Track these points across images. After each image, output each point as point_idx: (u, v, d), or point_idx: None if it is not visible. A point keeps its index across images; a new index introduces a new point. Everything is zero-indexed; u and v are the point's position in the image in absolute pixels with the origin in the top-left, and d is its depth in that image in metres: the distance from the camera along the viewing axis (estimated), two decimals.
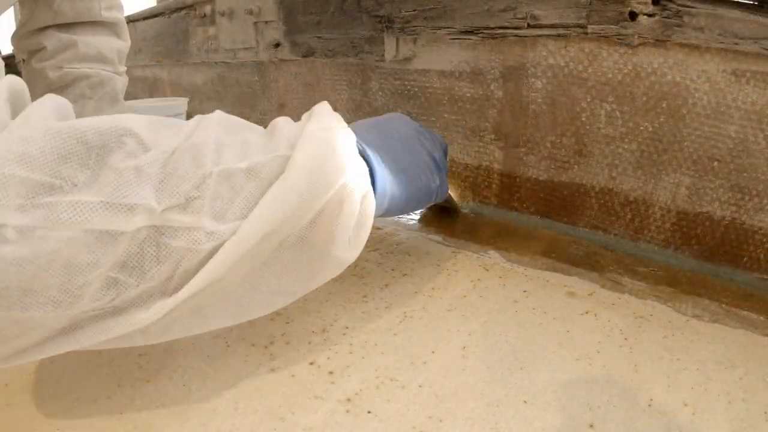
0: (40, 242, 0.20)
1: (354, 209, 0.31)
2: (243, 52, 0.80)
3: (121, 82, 0.71)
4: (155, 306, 0.24)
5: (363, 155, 0.35)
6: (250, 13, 0.75)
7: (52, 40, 0.63)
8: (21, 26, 0.64)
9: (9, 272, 0.20)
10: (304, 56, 0.71)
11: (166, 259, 0.24)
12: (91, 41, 0.65)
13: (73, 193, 0.21)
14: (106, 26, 0.67)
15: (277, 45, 0.74)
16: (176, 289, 0.25)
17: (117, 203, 0.22)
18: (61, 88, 0.64)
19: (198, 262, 0.25)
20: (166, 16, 0.96)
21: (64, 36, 0.63)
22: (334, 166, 0.29)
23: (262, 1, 0.73)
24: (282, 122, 0.31)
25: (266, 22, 0.74)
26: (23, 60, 0.67)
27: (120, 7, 0.70)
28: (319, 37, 0.68)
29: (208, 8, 0.85)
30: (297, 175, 0.27)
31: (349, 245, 0.32)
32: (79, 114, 0.62)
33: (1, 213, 0.19)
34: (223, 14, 0.79)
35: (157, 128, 0.25)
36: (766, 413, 0.30)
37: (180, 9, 0.93)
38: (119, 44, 0.69)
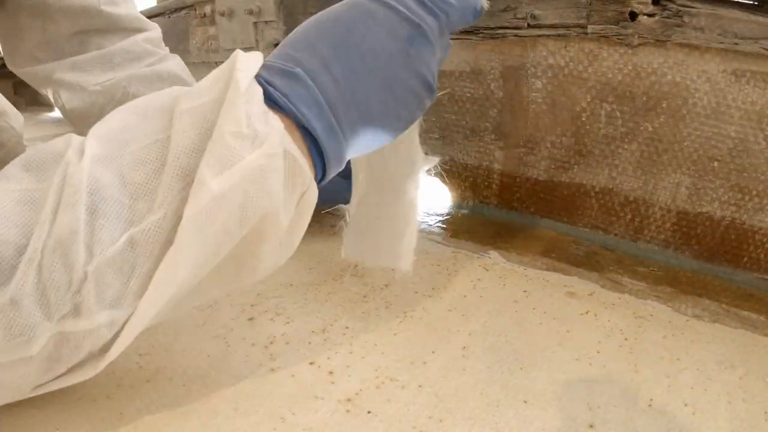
0: None
1: (279, 230, 0.28)
2: None
3: (174, 63, 0.57)
4: (90, 367, 0.26)
5: (306, 126, 0.28)
6: (250, 13, 0.75)
7: (63, 76, 0.53)
8: (10, 53, 0.54)
9: None
10: None
11: (82, 348, 0.25)
12: (113, 47, 0.54)
13: None
14: (116, 30, 0.55)
15: (278, 45, 0.74)
16: (102, 352, 0.26)
17: (15, 341, 0.23)
18: (115, 107, 0.56)
19: (109, 341, 0.25)
20: (166, 16, 0.96)
21: (71, 76, 0.53)
22: (244, 212, 0.26)
23: (262, 1, 0.73)
24: (186, 126, 0.25)
25: (266, 22, 0.74)
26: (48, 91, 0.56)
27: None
28: None
29: (208, 8, 0.85)
30: (183, 255, 0.25)
31: (278, 254, 0.30)
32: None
33: None
34: (223, 14, 0.79)
35: (19, 221, 0.23)
36: (766, 413, 0.30)
37: (180, 9, 0.93)
38: (145, 35, 0.57)
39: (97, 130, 0.25)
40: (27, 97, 1.97)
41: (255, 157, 0.25)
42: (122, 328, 0.25)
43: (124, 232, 0.23)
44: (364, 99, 0.29)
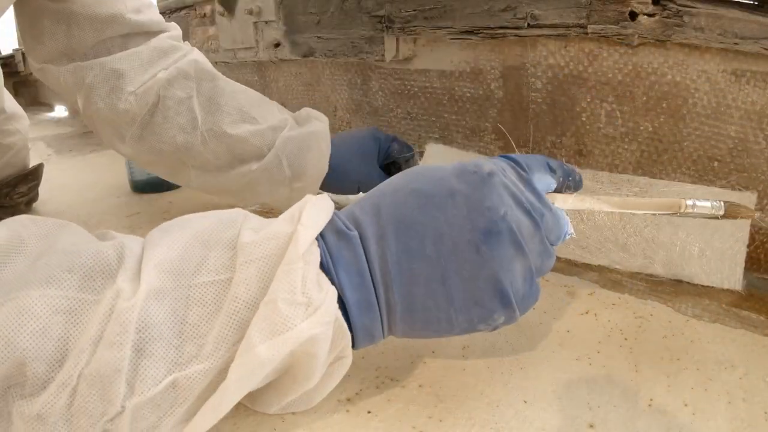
0: None
1: (308, 386, 0.27)
2: (243, 52, 0.81)
3: (197, 55, 0.57)
4: None
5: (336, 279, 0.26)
6: (250, 13, 0.75)
7: (94, 71, 0.51)
8: (31, 52, 0.53)
9: None
10: (304, 56, 0.71)
11: None
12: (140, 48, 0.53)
13: None
14: (139, 34, 0.54)
15: (277, 45, 0.74)
16: None
17: None
18: (150, 113, 0.52)
19: None
20: (166, 16, 0.96)
21: (106, 63, 0.51)
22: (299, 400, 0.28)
23: (262, 1, 0.73)
24: (246, 275, 0.25)
25: (266, 22, 0.74)
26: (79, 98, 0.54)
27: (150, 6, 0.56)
28: (319, 37, 0.68)
29: (208, 8, 0.85)
30: (226, 406, 0.25)
31: (294, 405, 0.29)
32: (189, 124, 0.52)
33: None
34: (223, 14, 0.79)
35: (54, 345, 0.22)
36: (766, 413, 0.30)
37: (180, 9, 0.93)
38: (167, 34, 0.56)
39: (156, 255, 0.25)
40: (27, 97, 1.97)
41: (308, 326, 0.24)
42: None
43: (169, 373, 0.23)
44: (408, 285, 0.27)
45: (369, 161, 0.56)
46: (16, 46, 1.91)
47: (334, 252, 0.27)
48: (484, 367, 0.34)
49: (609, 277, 0.46)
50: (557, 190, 0.33)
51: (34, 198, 0.71)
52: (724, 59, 0.41)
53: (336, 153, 0.55)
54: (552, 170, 0.32)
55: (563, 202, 0.32)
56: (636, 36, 0.43)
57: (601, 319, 0.39)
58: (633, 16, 0.43)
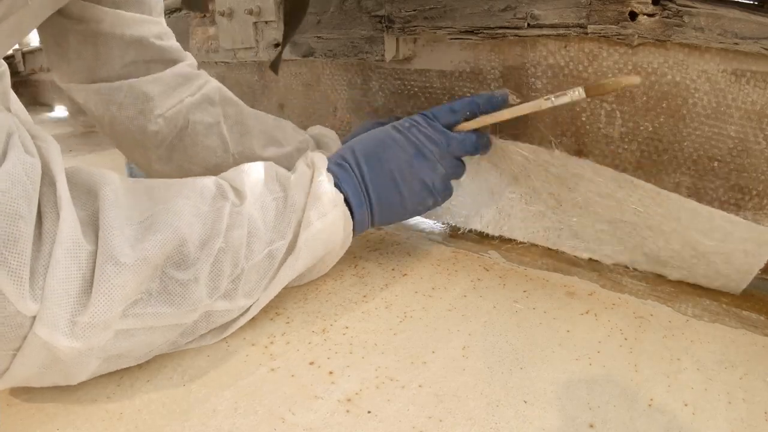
0: (133, 337, 0.32)
1: (335, 257, 0.44)
2: (243, 52, 0.80)
3: (216, 84, 0.60)
4: (210, 337, 0.37)
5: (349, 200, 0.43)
6: (250, 13, 0.75)
7: (123, 92, 0.53)
8: (56, 68, 0.54)
9: (114, 349, 0.31)
10: (304, 56, 0.71)
11: (211, 326, 0.36)
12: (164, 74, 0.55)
13: (151, 303, 0.31)
14: (162, 61, 0.56)
15: (277, 45, 0.74)
16: (224, 328, 0.37)
17: (184, 310, 0.33)
18: (179, 137, 0.55)
19: (229, 321, 0.37)
20: (166, 16, 0.96)
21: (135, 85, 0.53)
22: (329, 257, 0.43)
23: (262, 1, 0.73)
24: (294, 193, 0.40)
25: (266, 22, 0.74)
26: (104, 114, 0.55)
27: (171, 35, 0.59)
28: (319, 37, 0.68)
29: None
30: (300, 262, 0.39)
31: (323, 271, 0.45)
32: (220, 148, 0.57)
33: (110, 322, 0.30)
34: (223, 14, 0.79)
35: (201, 229, 0.34)
36: (766, 413, 0.30)
37: (180, 9, 0.93)
38: (186, 62, 0.58)
39: (244, 182, 0.38)
40: (27, 97, 1.97)
41: (335, 212, 0.41)
42: (246, 311, 0.37)
43: (266, 248, 0.37)
44: (378, 188, 0.44)
45: None
46: (16, 46, 1.91)
47: (339, 175, 0.43)
48: (484, 367, 0.34)
49: (609, 277, 0.46)
50: (469, 118, 0.47)
51: None
52: (724, 59, 0.41)
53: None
54: (454, 111, 0.47)
55: (465, 126, 0.47)
56: (636, 36, 0.43)
57: (601, 319, 0.40)
58: (633, 16, 0.43)
